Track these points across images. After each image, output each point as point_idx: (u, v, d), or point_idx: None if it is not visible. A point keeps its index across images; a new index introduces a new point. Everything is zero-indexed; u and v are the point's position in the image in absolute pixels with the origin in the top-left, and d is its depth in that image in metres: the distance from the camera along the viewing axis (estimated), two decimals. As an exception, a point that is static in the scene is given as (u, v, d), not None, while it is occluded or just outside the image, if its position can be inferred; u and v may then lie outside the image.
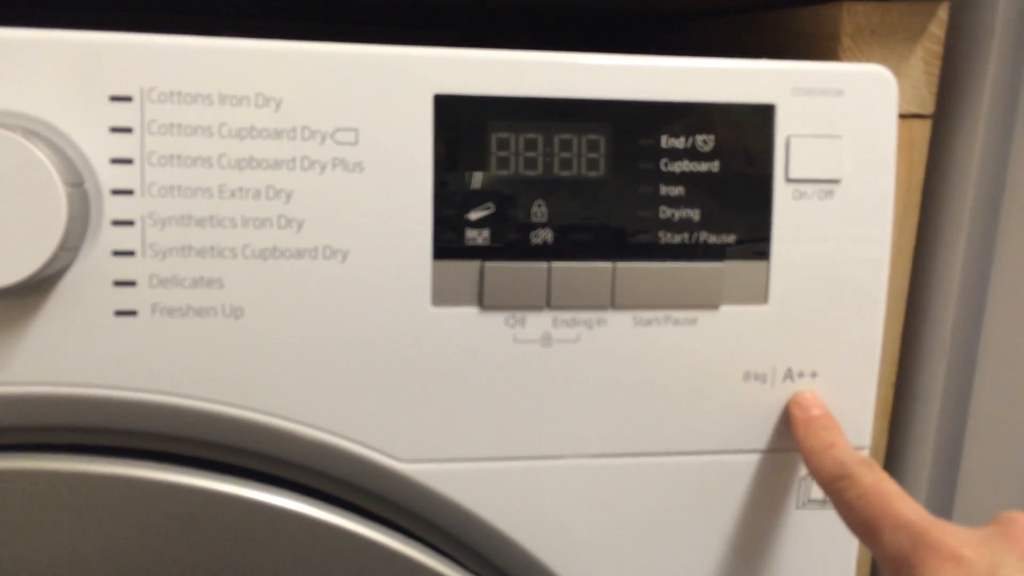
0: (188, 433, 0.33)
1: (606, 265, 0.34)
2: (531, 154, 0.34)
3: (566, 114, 0.34)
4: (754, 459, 0.37)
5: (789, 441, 0.36)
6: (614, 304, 0.34)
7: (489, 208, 0.34)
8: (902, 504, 0.31)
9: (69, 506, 0.31)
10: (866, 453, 0.37)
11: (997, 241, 0.43)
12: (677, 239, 0.35)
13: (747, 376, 0.36)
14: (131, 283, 0.32)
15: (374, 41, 0.33)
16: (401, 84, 0.32)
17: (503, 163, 0.33)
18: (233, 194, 0.32)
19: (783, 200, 0.35)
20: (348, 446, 0.34)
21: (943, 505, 0.45)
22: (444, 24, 0.65)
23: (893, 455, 0.46)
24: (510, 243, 0.34)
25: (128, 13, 0.59)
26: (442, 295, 0.33)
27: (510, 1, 0.47)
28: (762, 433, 0.36)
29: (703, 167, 0.35)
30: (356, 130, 0.32)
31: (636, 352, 0.35)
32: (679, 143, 0.34)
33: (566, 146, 0.34)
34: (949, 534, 0.29)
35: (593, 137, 0.34)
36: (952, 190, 0.43)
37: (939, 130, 0.43)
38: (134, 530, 0.32)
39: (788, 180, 0.35)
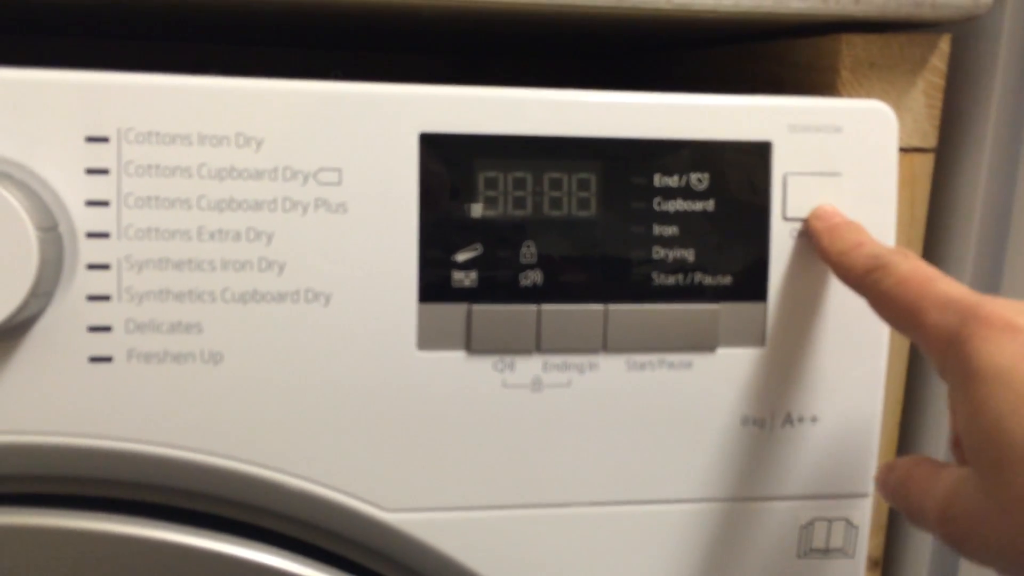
0: (165, 482, 0.32)
1: (598, 307, 0.33)
2: (520, 193, 0.33)
3: (556, 152, 0.33)
4: (754, 507, 0.35)
5: (790, 488, 0.35)
6: (606, 347, 0.33)
7: (477, 249, 0.33)
8: (945, 284, 0.29)
9: (37, 563, 0.30)
10: (870, 501, 0.36)
11: (1003, 276, 0.42)
12: (671, 280, 0.34)
13: (745, 421, 0.35)
14: (106, 328, 0.31)
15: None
16: (386, 123, 0.32)
17: (491, 203, 0.33)
18: (212, 236, 0.31)
19: (780, 240, 0.34)
20: (331, 495, 0.33)
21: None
22: (440, 51, 0.64)
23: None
24: (498, 285, 0.33)
25: (118, 40, 0.59)
26: (428, 339, 0.32)
27: (505, 29, 0.46)
28: (762, 480, 0.35)
29: (698, 206, 0.34)
30: (339, 170, 0.32)
31: (630, 397, 0.34)
32: (673, 181, 0.33)
33: (556, 185, 0.33)
34: (1001, 305, 0.27)
35: (584, 175, 0.33)
36: (956, 225, 0.42)
37: (942, 164, 0.42)
38: (107, 586, 0.31)
39: (786, 219, 0.34)
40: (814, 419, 0.35)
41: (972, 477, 0.27)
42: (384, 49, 0.63)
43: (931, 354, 0.28)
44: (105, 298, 0.31)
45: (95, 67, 0.34)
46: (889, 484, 0.31)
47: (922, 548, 0.43)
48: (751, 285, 0.34)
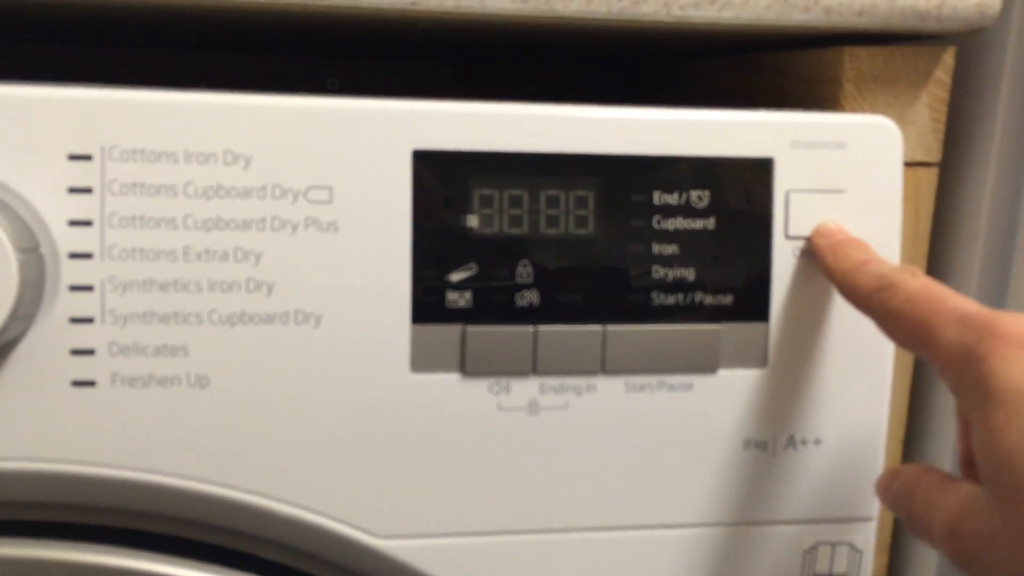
0: (151, 510, 0.31)
1: (596, 328, 0.32)
2: (516, 211, 0.32)
3: (553, 169, 0.32)
4: (756, 532, 0.34)
5: (793, 513, 0.34)
6: (605, 369, 0.32)
7: (471, 269, 0.32)
8: (957, 300, 0.28)
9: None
10: (874, 525, 0.35)
11: (1008, 292, 0.41)
12: (671, 300, 0.33)
13: (747, 444, 0.34)
14: (90, 352, 0.30)
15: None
16: (378, 139, 0.31)
17: (486, 221, 0.32)
18: (199, 256, 0.30)
19: (783, 258, 0.33)
20: (322, 522, 0.32)
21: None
22: (441, 58, 0.64)
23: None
24: (494, 305, 0.32)
25: (108, 48, 0.58)
26: (422, 361, 0.32)
27: (506, 39, 0.45)
28: (764, 504, 0.34)
29: (698, 224, 0.33)
30: (330, 188, 0.31)
31: (628, 419, 0.33)
32: (672, 199, 0.33)
33: (553, 203, 0.32)
34: (1020, 321, 0.26)
35: (581, 193, 0.32)
36: (961, 240, 0.42)
37: (946, 178, 0.41)
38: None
39: (788, 237, 0.33)
40: (817, 441, 0.34)
41: (986, 498, 0.26)
42: (383, 56, 0.62)
43: (945, 372, 0.28)
44: (88, 320, 0.30)
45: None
46: (892, 491, 0.30)
47: (926, 568, 0.42)
48: (753, 305, 0.33)
